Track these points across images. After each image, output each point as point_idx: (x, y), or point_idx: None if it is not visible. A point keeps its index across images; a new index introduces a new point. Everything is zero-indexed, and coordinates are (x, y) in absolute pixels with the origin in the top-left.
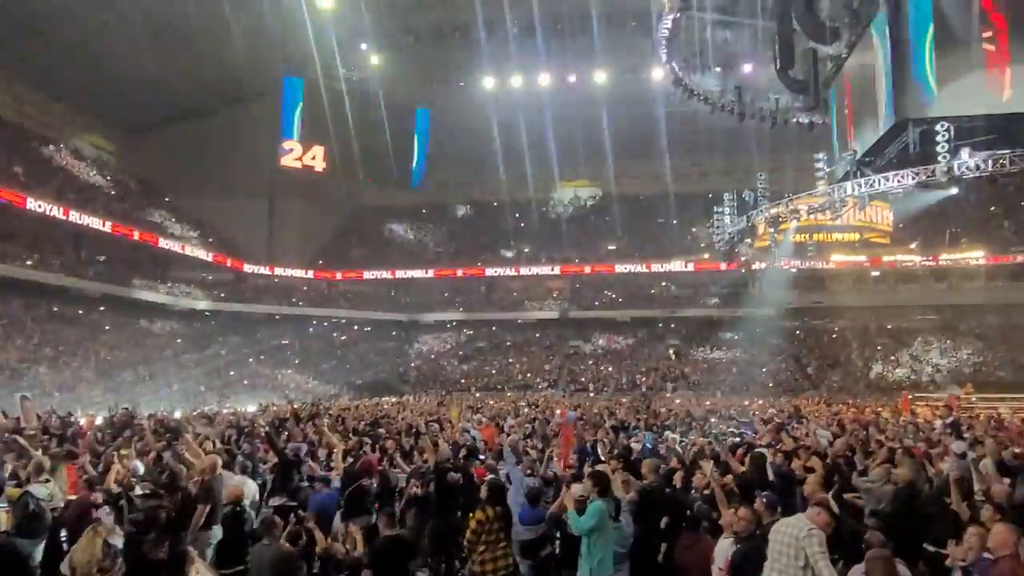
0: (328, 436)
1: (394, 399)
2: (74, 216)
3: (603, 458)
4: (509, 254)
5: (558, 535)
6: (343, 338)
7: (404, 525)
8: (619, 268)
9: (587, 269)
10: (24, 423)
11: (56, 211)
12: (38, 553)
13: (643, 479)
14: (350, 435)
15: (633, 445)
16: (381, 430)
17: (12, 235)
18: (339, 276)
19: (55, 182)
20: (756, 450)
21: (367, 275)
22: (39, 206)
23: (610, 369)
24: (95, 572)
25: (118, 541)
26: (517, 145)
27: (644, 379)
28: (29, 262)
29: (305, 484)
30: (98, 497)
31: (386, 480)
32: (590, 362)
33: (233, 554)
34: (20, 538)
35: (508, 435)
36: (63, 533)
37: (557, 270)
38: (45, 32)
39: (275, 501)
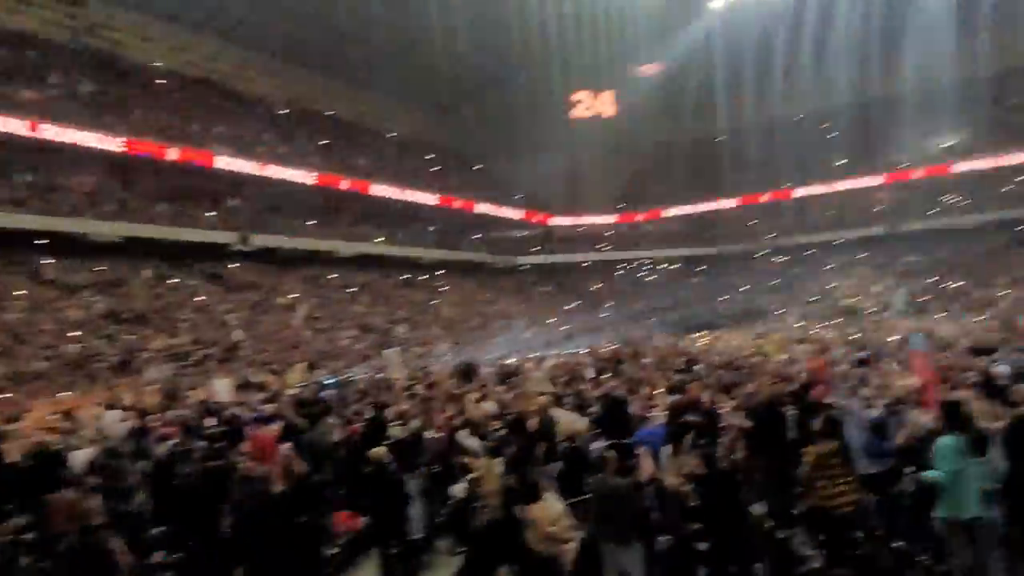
0: (650, 374)
1: (710, 336)
2: (408, 195)
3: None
4: (821, 171)
5: (912, 470)
6: (652, 278)
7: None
8: (956, 168)
9: (915, 175)
10: (393, 374)
11: (396, 192)
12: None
13: (1015, 406)
14: (670, 373)
15: (998, 370)
16: (699, 366)
17: (365, 218)
18: (640, 218)
19: (390, 168)
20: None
21: (666, 213)
22: (382, 190)
23: (961, 283)
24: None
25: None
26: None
27: (1002, 293)
28: (379, 239)
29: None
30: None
31: (710, 416)
32: (930, 279)
33: (574, 485)
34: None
35: (838, 366)
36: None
37: (880, 180)
38: (363, 36)
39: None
